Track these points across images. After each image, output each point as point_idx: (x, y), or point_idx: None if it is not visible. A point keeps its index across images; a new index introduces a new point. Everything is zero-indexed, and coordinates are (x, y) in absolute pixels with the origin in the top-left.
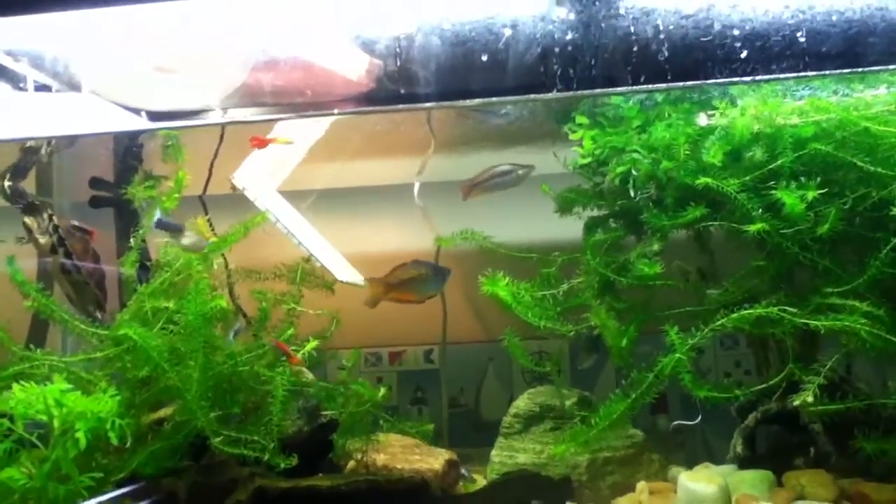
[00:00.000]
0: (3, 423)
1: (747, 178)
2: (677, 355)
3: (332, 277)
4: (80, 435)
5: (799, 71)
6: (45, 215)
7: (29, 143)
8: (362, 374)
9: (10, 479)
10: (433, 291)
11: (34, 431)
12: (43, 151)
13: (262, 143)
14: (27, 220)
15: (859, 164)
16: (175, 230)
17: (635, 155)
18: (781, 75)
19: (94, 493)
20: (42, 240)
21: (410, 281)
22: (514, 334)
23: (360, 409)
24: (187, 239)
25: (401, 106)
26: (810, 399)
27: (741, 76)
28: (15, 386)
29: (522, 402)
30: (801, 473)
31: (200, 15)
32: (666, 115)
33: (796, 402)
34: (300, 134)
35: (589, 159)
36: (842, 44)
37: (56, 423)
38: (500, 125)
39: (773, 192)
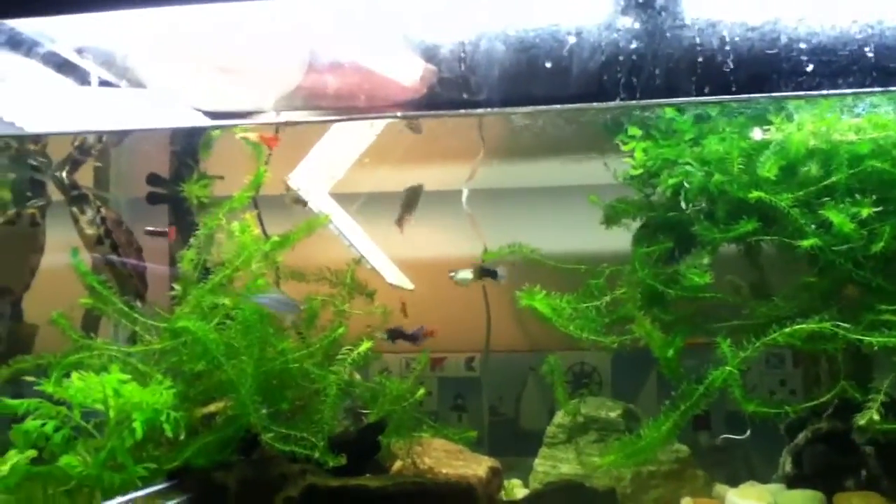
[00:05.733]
0: (61, 411)
1: (801, 193)
2: (728, 368)
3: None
4: (136, 425)
5: (865, 86)
6: (94, 206)
7: (82, 138)
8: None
9: (68, 466)
10: None
11: (90, 420)
12: (92, 147)
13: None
14: (74, 209)
15: None
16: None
17: (688, 167)
18: (847, 90)
19: (146, 482)
20: (89, 230)
21: None
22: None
23: (398, 408)
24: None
25: (463, 111)
26: (876, 417)
27: (806, 90)
28: (74, 374)
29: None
30: (853, 495)
31: (260, 16)
32: (720, 128)
33: (861, 422)
34: (354, 137)
35: (640, 171)
36: None
37: (112, 413)
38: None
39: (826, 208)
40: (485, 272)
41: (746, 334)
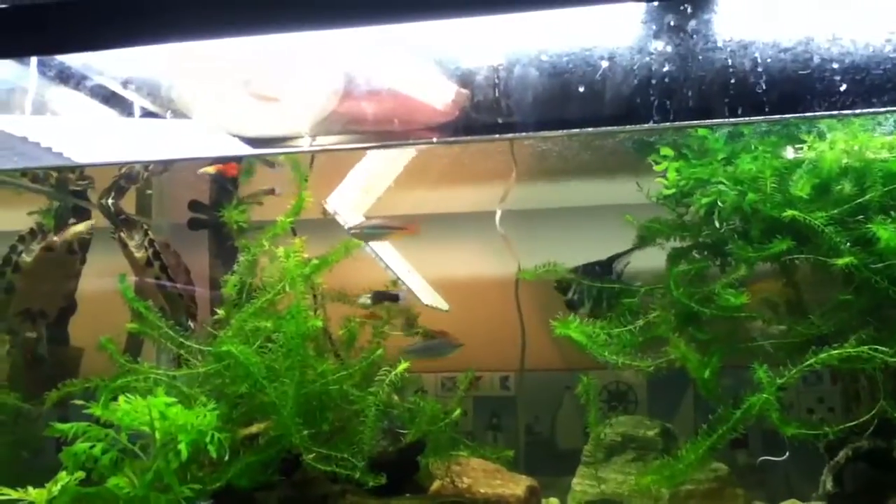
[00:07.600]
0: (109, 434)
1: (835, 211)
2: (765, 395)
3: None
4: (181, 447)
5: None
6: (142, 231)
7: (129, 166)
8: (439, 399)
9: (116, 487)
10: None
11: (135, 442)
12: (139, 175)
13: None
14: (123, 234)
15: None
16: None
17: (721, 187)
18: (882, 109)
19: (191, 503)
20: (138, 254)
21: None
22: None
23: (435, 429)
24: None
25: (497, 136)
26: None
27: (840, 109)
28: (121, 398)
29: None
30: None
31: (298, 44)
32: (752, 147)
33: None
34: (389, 160)
35: (673, 190)
36: None
37: (158, 435)
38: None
39: (861, 226)
40: (383, 297)
41: (783, 353)
